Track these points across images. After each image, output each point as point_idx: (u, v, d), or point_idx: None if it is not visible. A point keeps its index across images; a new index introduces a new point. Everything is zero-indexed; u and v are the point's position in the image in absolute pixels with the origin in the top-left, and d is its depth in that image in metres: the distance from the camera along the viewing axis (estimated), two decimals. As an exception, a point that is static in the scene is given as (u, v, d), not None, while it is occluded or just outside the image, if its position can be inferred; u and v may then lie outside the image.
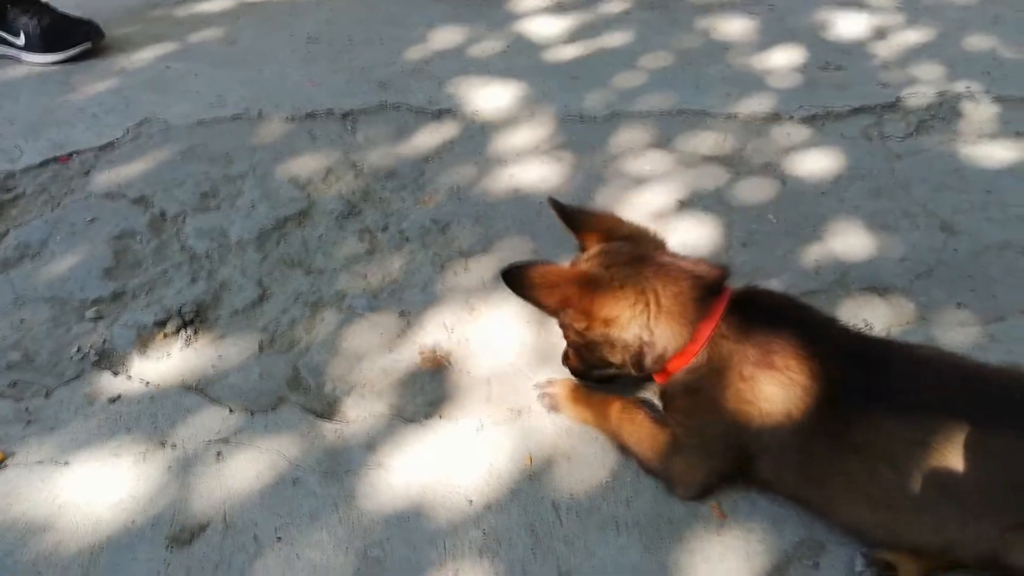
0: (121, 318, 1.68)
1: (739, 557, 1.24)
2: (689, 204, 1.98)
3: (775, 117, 2.31)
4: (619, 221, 1.38)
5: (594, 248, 1.33)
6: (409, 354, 1.60)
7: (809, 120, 2.29)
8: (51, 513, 1.30)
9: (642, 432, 1.31)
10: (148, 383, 1.53)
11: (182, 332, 1.64)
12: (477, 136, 2.26)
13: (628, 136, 2.24)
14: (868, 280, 1.75)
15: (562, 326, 1.35)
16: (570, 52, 2.66)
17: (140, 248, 1.87)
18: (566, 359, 1.45)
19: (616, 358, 1.30)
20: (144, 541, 1.26)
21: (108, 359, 1.59)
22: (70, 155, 2.19)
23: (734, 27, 2.79)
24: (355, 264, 1.83)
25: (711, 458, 1.26)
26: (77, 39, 2.63)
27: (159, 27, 2.87)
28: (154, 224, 1.94)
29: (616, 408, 1.36)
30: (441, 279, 1.78)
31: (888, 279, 1.74)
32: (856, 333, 1.29)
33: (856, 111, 2.32)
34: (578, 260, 1.34)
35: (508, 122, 2.30)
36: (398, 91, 2.45)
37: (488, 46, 2.70)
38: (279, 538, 1.26)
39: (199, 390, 1.52)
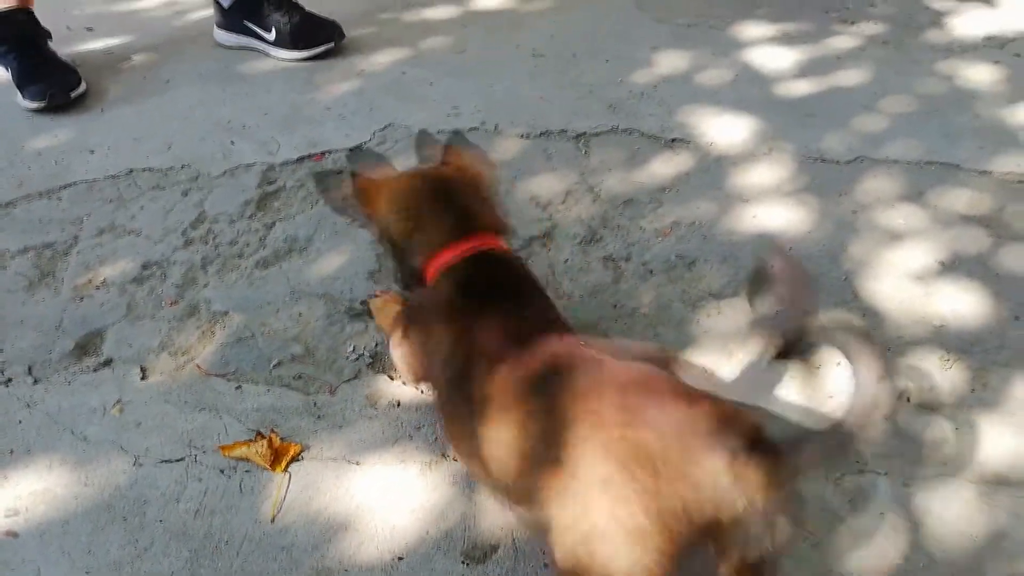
0: (389, 323, 1.76)
1: None
2: (951, 267, 1.89)
3: (1036, 178, 2.17)
4: (476, 159, 1.53)
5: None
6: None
7: (1075, 185, 2.14)
8: (349, 512, 1.38)
9: (393, 331, 1.51)
10: (423, 391, 1.60)
11: (447, 344, 1.71)
12: (713, 169, 2.23)
13: (875, 184, 2.16)
14: None
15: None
16: (803, 88, 2.59)
17: (398, 254, 1.95)
18: None
19: (390, 263, 1.49)
20: (440, 553, 1.32)
21: (380, 362, 1.68)
22: (323, 153, 2.32)
23: (979, 74, 2.64)
24: (602, 293, 1.85)
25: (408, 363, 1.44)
26: (322, 38, 2.77)
27: (390, 31, 2.99)
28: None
29: (395, 315, 1.57)
30: (695, 319, 1.77)
31: None
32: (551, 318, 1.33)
33: None
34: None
35: (745, 157, 2.27)
36: (628, 115, 2.46)
37: (716, 74, 2.67)
38: (569, 571, 1.29)
39: (472, 406, 1.57)
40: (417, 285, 1.45)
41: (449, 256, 1.36)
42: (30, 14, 2.60)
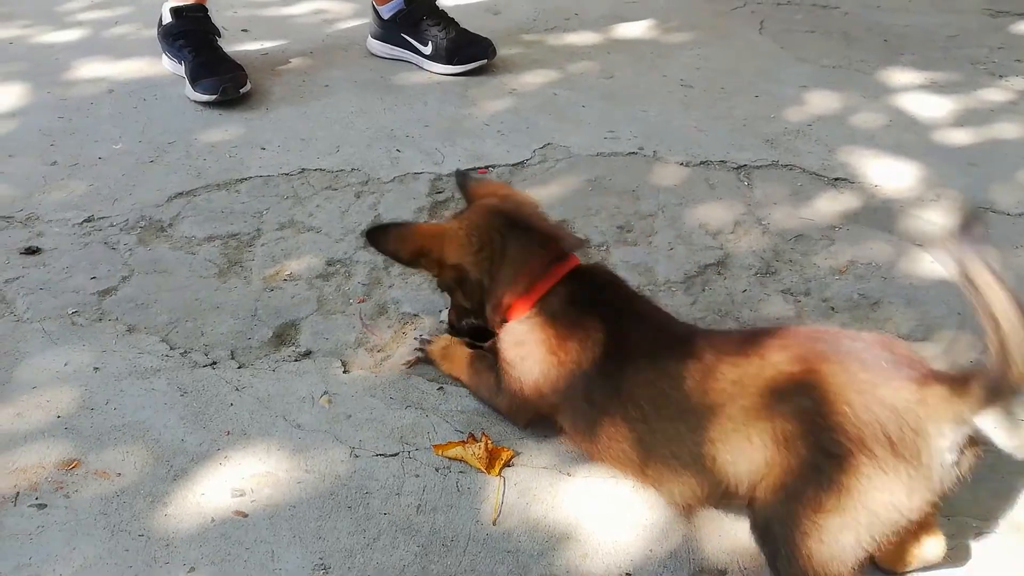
0: (578, 338, 1.77)
1: None
2: None
3: None
4: (504, 188, 1.62)
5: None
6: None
7: None
8: (569, 522, 1.39)
9: (481, 377, 1.53)
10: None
11: (639, 364, 1.71)
12: (881, 211, 2.22)
13: (1051, 240, 2.13)
14: None
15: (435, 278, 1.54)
16: (960, 137, 2.57)
17: (576, 271, 1.97)
18: (448, 315, 1.65)
19: (467, 303, 1.50)
20: (667, 572, 1.31)
21: (574, 377, 1.68)
22: (487, 167, 2.36)
23: None
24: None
25: (527, 401, 1.44)
26: (476, 55, 2.83)
27: (536, 52, 3.05)
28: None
29: (467, 359, 1.57)
30: (888, 360, 1.75)
31: None
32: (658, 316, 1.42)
33: None
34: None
35: (913, 203, 2.26)
36: (787, 151, 2.47)
37: (869, 117, 2.67)
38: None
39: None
40: (501, 319, 1.46)
41: (546, 284, 1.41)
42: (206, 11, 2.70)
